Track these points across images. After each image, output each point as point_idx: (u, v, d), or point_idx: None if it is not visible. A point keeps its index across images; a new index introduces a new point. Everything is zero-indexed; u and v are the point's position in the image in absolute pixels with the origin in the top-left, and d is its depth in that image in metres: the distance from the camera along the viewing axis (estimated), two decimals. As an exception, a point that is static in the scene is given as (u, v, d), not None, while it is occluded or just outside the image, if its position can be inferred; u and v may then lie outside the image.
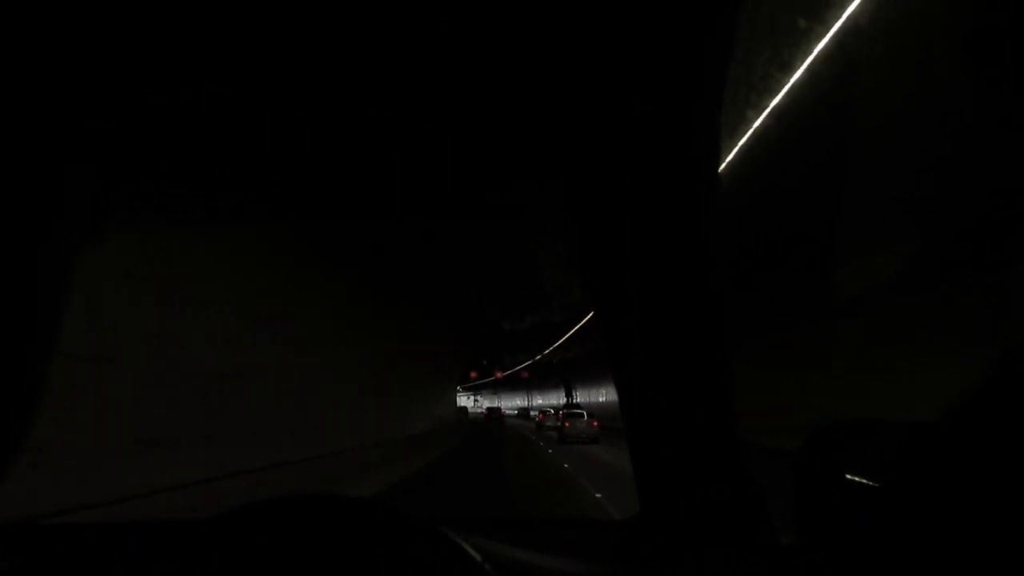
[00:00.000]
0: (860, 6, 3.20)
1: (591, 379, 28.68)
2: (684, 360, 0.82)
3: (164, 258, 4.80)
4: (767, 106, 3.74)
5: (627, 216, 0.85)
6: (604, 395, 25.75)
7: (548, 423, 27.67)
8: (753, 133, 3.83)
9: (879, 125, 3.37)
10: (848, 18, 3.32)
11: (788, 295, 5.70)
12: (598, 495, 7.25)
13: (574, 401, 26.29)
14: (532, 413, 41.68)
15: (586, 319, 19.56)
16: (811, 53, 3.41)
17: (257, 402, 5.91)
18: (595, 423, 17.81)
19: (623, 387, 0.88)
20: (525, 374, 41.40)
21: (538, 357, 34.80)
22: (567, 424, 18.02)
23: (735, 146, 3.86)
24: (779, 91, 3.74)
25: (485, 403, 60.11)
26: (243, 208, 5.88)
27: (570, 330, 22.99)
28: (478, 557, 0.69)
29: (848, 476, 0.68)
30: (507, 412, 48.49)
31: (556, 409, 29.35)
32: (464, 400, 65.84)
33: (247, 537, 0.73)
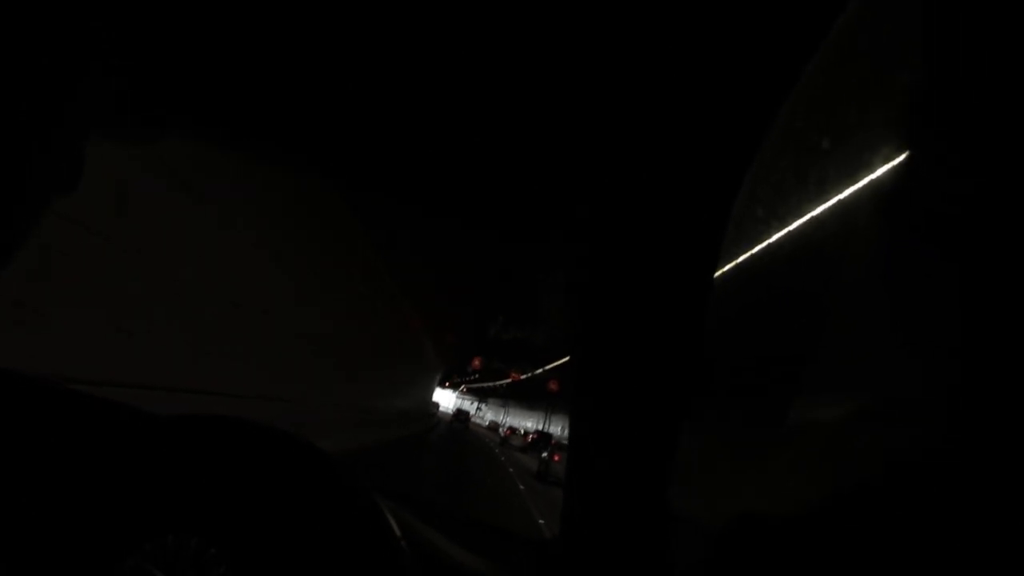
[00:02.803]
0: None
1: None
2: (641, 417, 0.89)
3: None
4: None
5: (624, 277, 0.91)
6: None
7: (514, 442, 27.59)
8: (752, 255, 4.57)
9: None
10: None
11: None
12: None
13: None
14: (502, 430, 38.38)
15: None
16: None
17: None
18: None
19: (577, 423, 0.96)
20: (553, 384, 32.21)
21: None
22: (556, 458, 15.91)
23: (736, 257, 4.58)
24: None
25: (488, 415, 55.75)
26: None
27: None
28: (398, 531, 0.81)
29: None
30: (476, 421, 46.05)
31: (527, 432, 29.16)
32: (457, 402, 60.51)
33: (201, 439, 0.86)
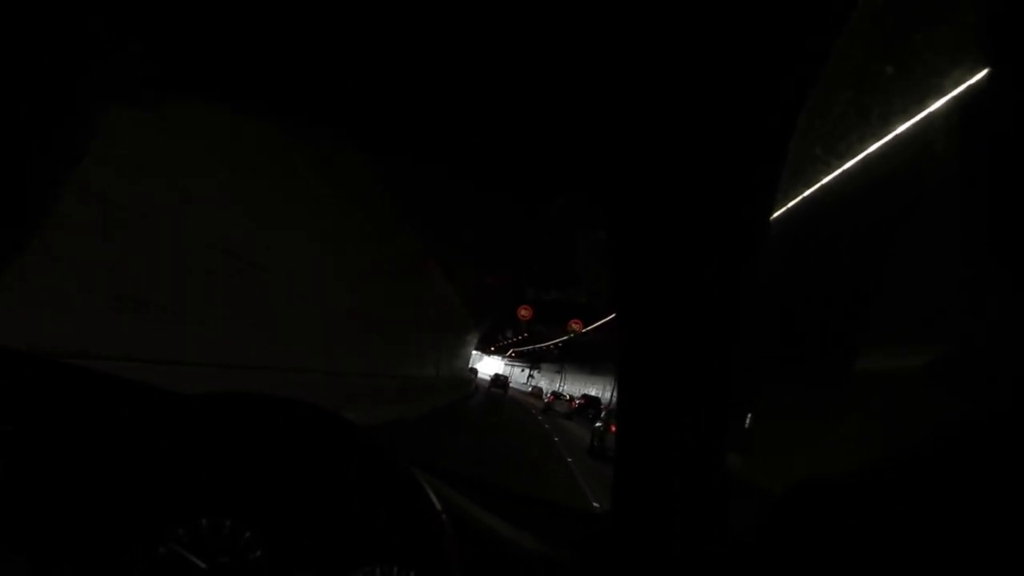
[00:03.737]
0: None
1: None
2: (692, 381, 0.87)
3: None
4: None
5: (665, 238, 0.88)
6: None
7: (559, 408, 26.76)
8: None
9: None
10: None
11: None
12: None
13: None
14: (545, 396, 36.41)
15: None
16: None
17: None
18: None
19: (625, 391, 0.93)
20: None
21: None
22: (613, 428, 14.04)
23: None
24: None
25: (542, 382, 49.65)
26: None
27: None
28: (438, 505, 0.80)
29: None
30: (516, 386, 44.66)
31: (573, 397, 28.37)
32: (506, 369, 56.82)
33: (227, 416, 0.86)
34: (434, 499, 0.81)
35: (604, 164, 0.97)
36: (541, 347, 39.34)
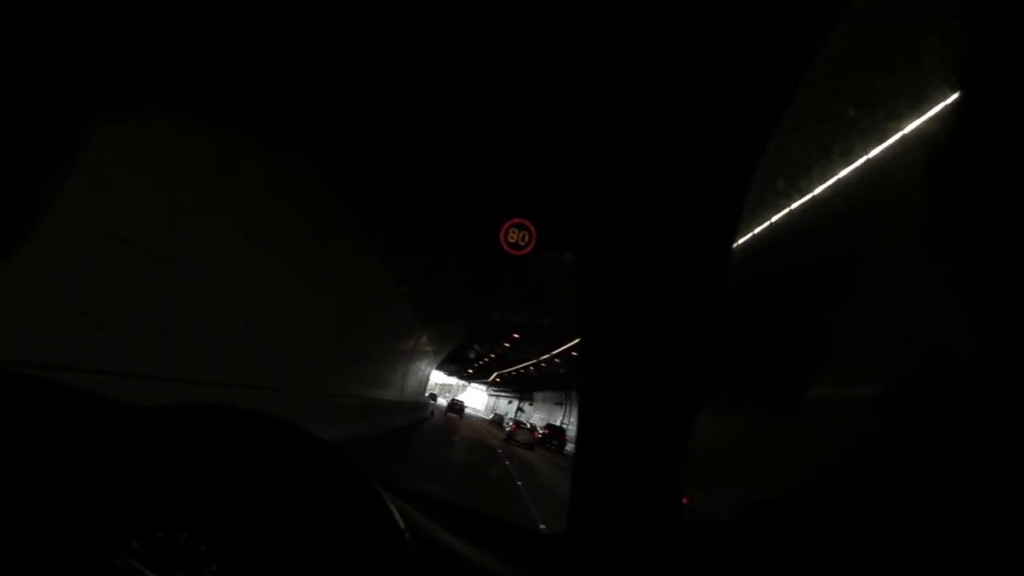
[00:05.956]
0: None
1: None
2: (653, 403, 0.92)
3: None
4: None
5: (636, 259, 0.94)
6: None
7: (520, 438, 25.11)
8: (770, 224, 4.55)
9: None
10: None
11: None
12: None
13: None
14: (507, 425, 32.80)
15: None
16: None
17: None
18: None
19: (586, 413, 0.98)
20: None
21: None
22: None
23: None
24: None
25: (535, 417, 40.08)
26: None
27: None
28: (402, 524, 0.80)
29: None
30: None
31: (535, 427, 27.21)
32: (491, 401, 54.74)
33: (189, 430, 0.85)
34: (399, 519, 0.81)
35: (582, 188, 1.06)
36: (534, 364, 30.54)
